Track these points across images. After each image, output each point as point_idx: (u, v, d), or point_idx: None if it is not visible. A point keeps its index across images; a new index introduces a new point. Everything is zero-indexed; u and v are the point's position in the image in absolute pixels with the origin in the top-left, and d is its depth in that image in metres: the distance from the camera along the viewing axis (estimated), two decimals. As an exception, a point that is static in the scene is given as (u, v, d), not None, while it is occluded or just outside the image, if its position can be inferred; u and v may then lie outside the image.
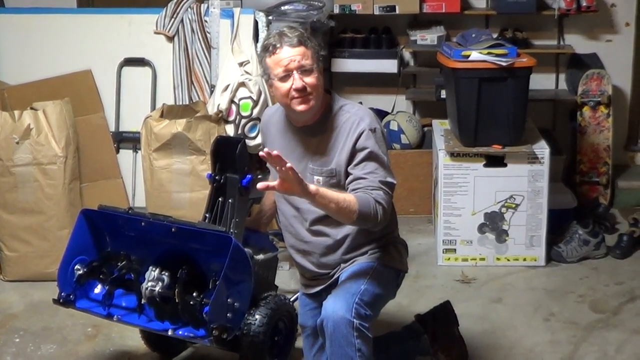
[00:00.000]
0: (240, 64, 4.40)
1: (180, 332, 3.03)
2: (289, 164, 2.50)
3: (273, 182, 2.58)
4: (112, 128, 4.71)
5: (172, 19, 4.64)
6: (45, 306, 3.87)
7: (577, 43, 5.28)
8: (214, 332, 2.87)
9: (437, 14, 5.14)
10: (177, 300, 2.98)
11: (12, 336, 3.74)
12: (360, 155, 2.77)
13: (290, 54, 2.78)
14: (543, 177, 4.30)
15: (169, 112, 4.40)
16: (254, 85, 4.32)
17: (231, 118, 4.35)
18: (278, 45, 2.80)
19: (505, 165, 4.33)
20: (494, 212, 4.35)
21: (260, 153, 2.52)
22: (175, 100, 4.65)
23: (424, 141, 5.11)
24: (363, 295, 2.78)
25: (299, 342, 3.30)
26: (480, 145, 4.31)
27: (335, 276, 2.96)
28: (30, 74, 4.68)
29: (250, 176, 3.20)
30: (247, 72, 4.38)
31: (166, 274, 3.04)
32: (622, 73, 5.29)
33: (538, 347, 3.58)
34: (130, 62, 4.72)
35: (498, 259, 4.40)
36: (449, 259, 4.42)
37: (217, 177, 3.24)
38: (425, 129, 5.12)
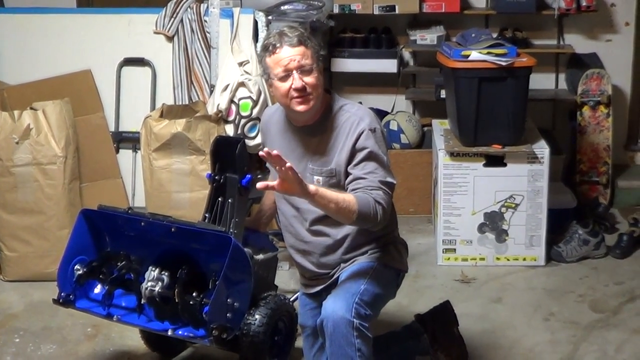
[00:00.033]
0: (240, 64, 4.40)
1: (180, 332, 3.03)
2: (288, 164, 2.50)
3: (272, 182, 2.58)
4: (112, 128, 4.71)
5: (172, 19, 4.64)
6: (45, 306, 3.87)
7: (577, 43, 5.28)
8: (213, 332, 2.86)
9: (437, 13, 5.14)
10: (176, 300, 2.98)
11: (12, 336, 3.73)
12: (360, 155, 2.77)
13: (290, 54, 2.78)
14: (543, 176, 4.30)
15: (169, 112, 4.40)
16: (253, 85, 4.31)
17: (231, 118, 4.35)
18: (278, 45, 2.80)
19: (505, 165, 4.33)
20: (494, 212, 4.35)
21: (260, 153, 2.52)
22: (174, 100, 4.65)
23: (424, 141, 5.11)
24: (363, 295, 2.78)
25: (299, 342, 3.30)
26: (480, 145, 4.31)
27: (335, 276, 2.96)
28: (30, 74, 4.68)
29: (249, 176, 3.20)
30: (246, 72, 4.38)
31: (166, 273, 3.04)
32: (621, 73, 5.29)
33: (538, 346, 3.58)
34: (130, 62, 4.72)
35: (498, 258, 4.40)
36: (448, 258, 4.42)
37: (216, 177, 3.24)
38: (425, 128, 5.11)
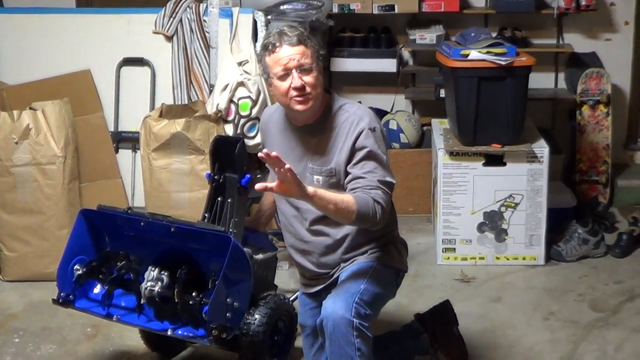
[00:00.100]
0: (239, 64, 4.40)
1: (179, 332, 3.02)
2: (287, 165, 2.49)
3: (271, 183, 2.57)
4: (111, 128, 4.71)
5: (171, 19, 4.64)
6: (44, 306, 3.87)
7: (577, 42, 5.28)
8: (213, 331, 2.86)
9: (436, 13, 5.14)
10: (176, 300, 2.98)
11: (11, 336, 3.73)
12: (359, 155, 2.77)
13: (289, 53, 2.78)
14: (542, 176, 4.30)
15: (168, 112, 4.40)
16: (253, 85, 4.31)
17: (230, 117, 4.35)
18: (277, 44, 2.79)
19: (504, 164, 4.33)
20: (494, 211, 4.35)
21: (259, 154, 2.52)
22: (174, 99, 4.65)
23: (423, 140, 5.11)
24: (363, 295, 2.78)
25: (299, 342, 3.30)
26: (480, 144, 4.31)
27: (335, 276, 2.96)
28: (29, 74, 4.68)
29: (249, 176, 3.20)
30: (246, 72, 4.38)
31: (165, 273, 3.04)
32: (621, 72, 5.29)
33: (538, 346, 3.58)
34: (129, 61, 4.72)
35: (497, 258, 4.40)
36: (448, 258, 4.42)
37: (216, 177, 3.24)
38: (425, 128, 5.11)
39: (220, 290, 2.86)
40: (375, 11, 5.10)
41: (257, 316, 3.05)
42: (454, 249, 4.41)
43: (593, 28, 5.29)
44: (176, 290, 2.98)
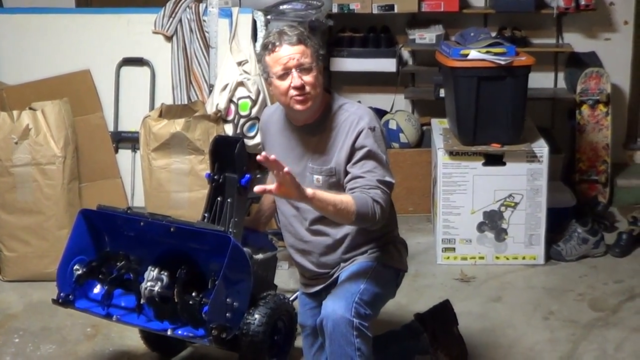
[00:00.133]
0: (239, 64, 4.40)
1: (179, 332, 3.02)
2: (286, 169, 2.49)
3: (270, 185, 2.57)
4: (111, 128, 4.71)
5: (171, 19, 4.63)
6: (44, 306, 3.87)
7: (576, 41, 5.28)
8: (213, 331, 2.86)
9: (436, 12, 5.14)
10: (176, 300, 2.98)
11: (11, 336, 3.73)
12: (359, 154, 2.77)
13: (289, 52, 2.78)
14: (542, 175, 4.30)
15: (168, 112, 4.40)
16: (252, 85, 4.31)
17: (230, 117, 4.35)
18: (277, 44, 2.79)
19: (504, 163, 4.33)
20: (493, 211, 4.35)
21: (258, 157, 2.51)
22: (173, 99, 4.65)
23: (423, 140, 5.11)
24: (363, 295, 2.78)
25: (299, 342, 3.30)
26: (479, 144, 4.31)
27: (335, 275, 2.96)
28: (29, 74, 4.67)
29: (249, 176, 3.20)
30: (245, 72, 4.38)
31: (165, 273, 3.04)
32: (620, 71, 5.29)
33: (537, 345, 3.58)
34: (129, 61, 4.71)
35: (497, 257, 4.40)
36: (448, 257, 4.42)
37: (215, 177, 3.24)
38: (424, 127, 5.11)
39: (220, 290, 2.86)
40: (375, 11, 5.09)
41: (256, 316, 3.05)
42: (454, 248, 4.41)
43: (592, 28, 5.29)
44: (176, 290, 2.98)
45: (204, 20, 4.60)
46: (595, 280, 4.21)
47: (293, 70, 2.77)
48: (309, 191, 2.58)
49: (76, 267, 3.15)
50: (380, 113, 5.09)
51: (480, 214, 4.36)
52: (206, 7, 4.59)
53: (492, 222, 4.37)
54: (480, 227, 4.38)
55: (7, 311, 3.99)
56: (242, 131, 4.34)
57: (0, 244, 4.26)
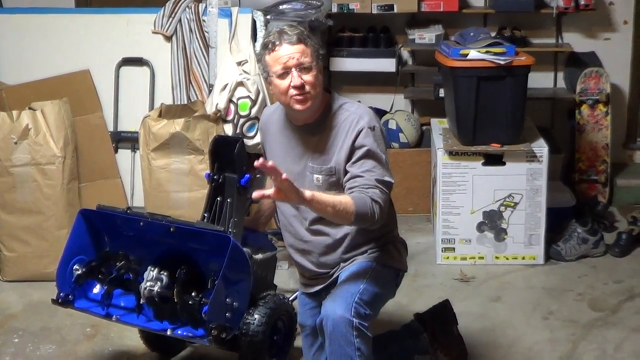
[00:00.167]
0: (239, 63, 4.40)
1: (179, 332, 3.02)
2: (284, 176, 2.49)
3: (269, 190, 2.56)
4: (111, 128, 4.71)
5: (170, 19, 4.63)
6: (44, 306, 3.87)
7: (576, 41, 5.28)
8: (212, 331, 2.86)
9: (436, 12, 5.14)
10: (175, 300, 2.98)
11: (11, 336, 3.73)
12: (358, 153, 2.77)
13: (289, 52, 2.78)
14: (542, 175, 4.30)
15: (167, 112, 4.40)
16: (252, 85, 4.31)
17: (229, 117, 4.35)
18: (277, 43, 2.79)
19: (503, 163, 4.33)
20: (493, 211, 4.35)
21: (256, 163, 2.51)
22: (173, 99, 4.65)
23: (423, 140, 5.11)
24: (362, 295, 2.78)
25: (298, 342, 3.30)
26: (479, 143, 4.31)
27: (335, 275, 2.96)
28: (29, 74, 4.67)
29: (248, 175, 3.20)
30: (245, 72, 4.38)
31: (165, 273, 3.04)
32: (620, 71, 5.29)
33: (537, 345, 3.58)
34: (129, 61, 4.71)
35: (497, 257, 4.40)
36: (447, 257, 4.42)
37: (215, 177, 3.24)
38: (424, 127, 5.11)
39: (220, 290, 2.86)
40: (375, 11, 5.10)
41: (256, 316, 3.05)
42: (454, 248, 4.41)
43: (592, 27, 5.29)
44: (175, 290, 2.98)
45: (204, 20, 4.59)
46: (594, 280, 4.21)
47: (293, 69, 2.77)
48: (308, 194, 2.58)
49: (76, 267, 3.14)
50: (380, 113, 5.09)
51: (479, 214, 4.36)
52: (206, 7, 4.59)
53: (492, 222, 4.37)
54: (480, 227, 4.38)
55: (6, 311, 3.99)
56: (242, 131, 4.34)
57: (0, 244, 4.26)
